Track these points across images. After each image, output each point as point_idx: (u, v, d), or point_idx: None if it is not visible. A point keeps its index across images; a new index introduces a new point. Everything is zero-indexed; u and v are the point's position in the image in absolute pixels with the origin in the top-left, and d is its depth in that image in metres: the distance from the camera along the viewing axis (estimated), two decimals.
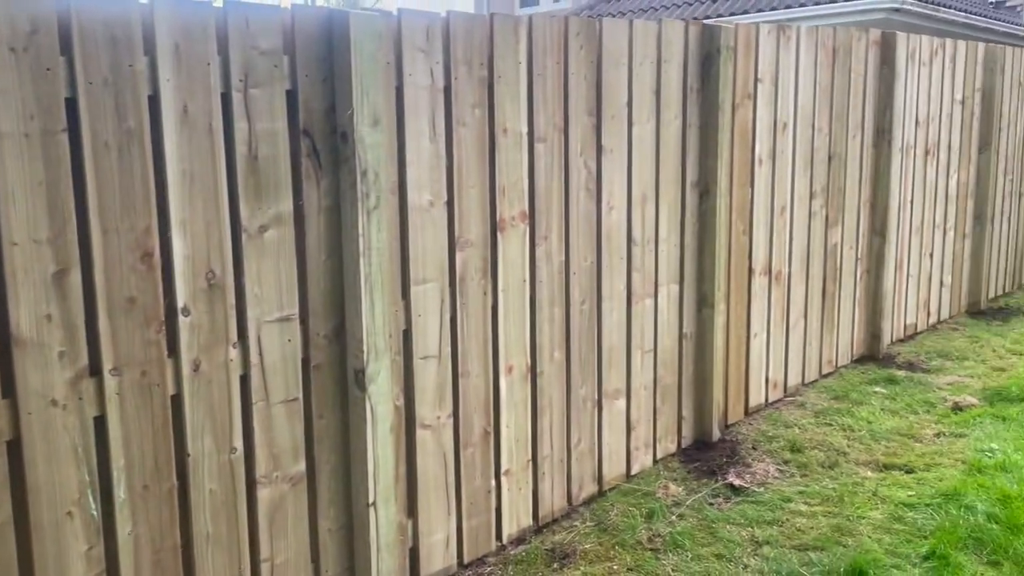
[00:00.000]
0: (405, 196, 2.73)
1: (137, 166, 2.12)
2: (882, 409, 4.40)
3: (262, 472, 2.45)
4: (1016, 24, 11.78)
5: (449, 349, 2.94)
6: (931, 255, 6.01)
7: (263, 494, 2.46)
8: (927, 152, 5.78)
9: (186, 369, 2.26)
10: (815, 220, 4.81)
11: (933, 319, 6.13)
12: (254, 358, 2.40)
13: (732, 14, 10.23)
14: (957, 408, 4.34)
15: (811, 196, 4.76)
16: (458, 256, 2.93)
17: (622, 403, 3.69)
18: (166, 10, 2.14)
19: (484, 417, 3.08)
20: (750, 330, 4.41)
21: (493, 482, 3.14)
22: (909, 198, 5.65)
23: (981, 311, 6.51)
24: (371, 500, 2.62)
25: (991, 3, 12.08)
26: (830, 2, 9.38)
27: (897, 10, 9.03)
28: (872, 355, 5.37)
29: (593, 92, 3.39)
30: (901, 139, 5.42)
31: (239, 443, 2.39)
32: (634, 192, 3.64)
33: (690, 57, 3.84)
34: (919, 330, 5.94)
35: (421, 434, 2.87)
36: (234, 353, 2.35)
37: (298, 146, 2.46)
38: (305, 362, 2.54)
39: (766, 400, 4.57)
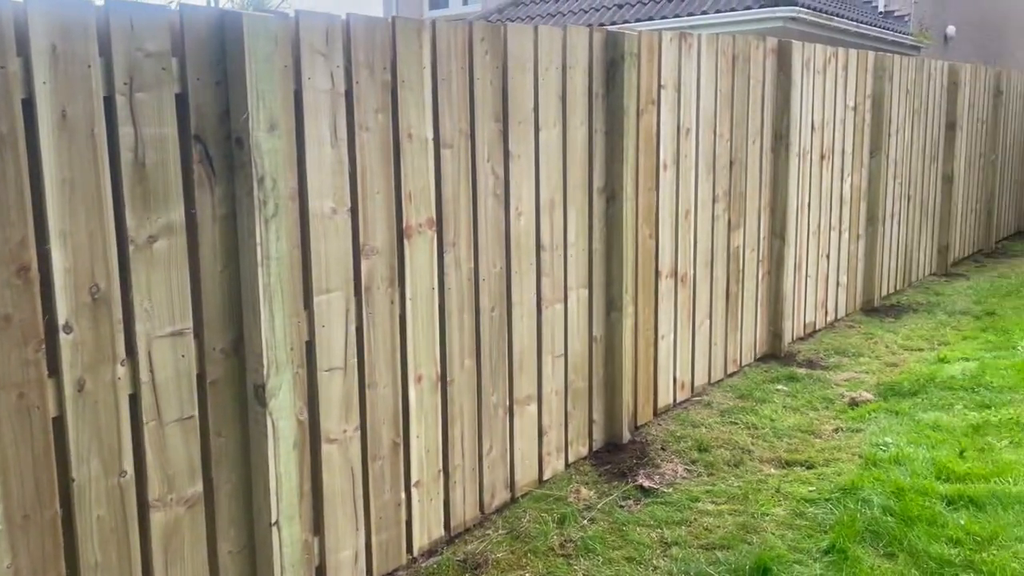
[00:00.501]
0: (306, 203, 2.65)
1: (11, 174, 1.98)
2: (784, 407, 4.54)
3: (155, 495, 2.33)
4: (903, 34, 12.40)
5: (355, 360, 2.86)
6: (828, 256, 6.25)
7: (156, 518, 2.34)
8: (823, 157, 6.01)
9: (69, 389, 2.12)
10: (718, 223, 4.93)
11: (831, 317, 6.38)
12: (144, 375, 2.28)
13: (638, 20, 10.42)
14: (854, 404, 4.51)
15: (714, 200, 4.87)
16: (363, 264, 2.86)
17: (534, 409, 3.69)
18: (41, 9, 2.01)
19: (393, 428, 3.02)
20: (658, 332, 4.47)
21: (403, 494, 3.08)
22: (807, 201, 5.86)
23: (875, 308, 6.81)
24: (274, 519, 2.52)
25: (880, 13, 12.68)
26: (730, 10, 9.67)
27: (794, 19, 9.37)
28: (774, 354, 5.54)
29: (499, 97, 3.37)
30: (798, 144, 5.61)
31: (129, 466, 2.26)
32: (542, 198, 3.64)
33: (595, 63, 3.87)
34: (818, 328, 6.17)
35: (327, 449, 2.79)
36: (122, 371, 2.23)
37: (190, 152, 2.34)
38: (201, 378, 2.43)
39: (674, 400, 4.65)
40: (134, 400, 2.28)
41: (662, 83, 4.31)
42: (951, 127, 8.18)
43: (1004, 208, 10.14)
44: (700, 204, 4.75)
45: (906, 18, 12.63)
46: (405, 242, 3.00)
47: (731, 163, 4.99)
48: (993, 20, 15.87)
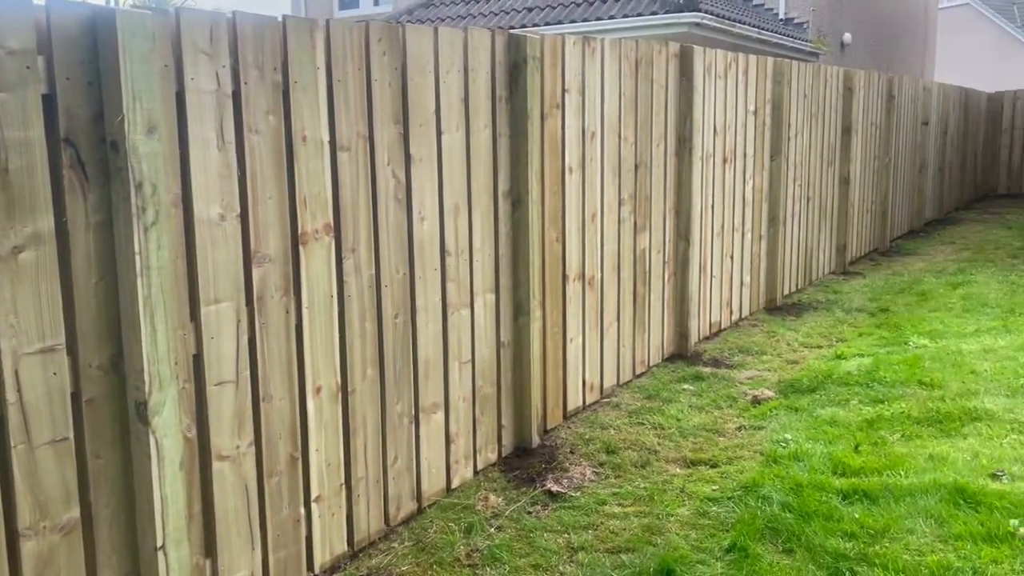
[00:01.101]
0: (191, 209, 2.52)
1: None
2: (690, 406, 4.61)
3: (26, 523, 2.17)
4: (803, 40, 12.86)
5: (248, 372, 2.75)
6: (732, 257, 6.40)
7: (28, 547, 2.18)
8: (725, 160, 6.15)
9: None
10: (624, 226, 4.97)
11: (736, 316, 6.53)
12: (11, 396, 2.12)
13: (547, 24, 10.48)
14: (756, 401, 4.61)
15: (620, 203, 4.91)
16: (255, 272, 2.75)
17: (440, 416, 3.63)
18: None
19: (291, 442, 2.91)
20: (566, 335, 4.48)
21: (303, 510, 2.98)
22: (710, 203, 5.98)
23: (778, 307, 7.01)
24: (160, 543, 2.39)
25: (781, 20, 13.12)
26: (637, 15, 9.83)
27: (698, 25, 9.59)
28: (681, 353, 5.63)
29: (399, 100, 3.30)
30: (701, 148, 5.72)
31: None
32: (446, 202, 3.59)
33: (498, 66, 3.84)
34: (723, 327, 6.31)
35: (218, 466, 2.66)
36: None
37: (59, 156, 2.20)
38: (76, 397, 2.28)
39: (584, 403, 4.66)
40: (0, 422, 2.12)
41: (566, 87, 4.32)
42: (847, 131, 8.51)
43: (898, 208, 10.61)
44: (606, 207, 4.78)
45: (805, 25, 13.10)
46: (301, 249, 2.90)
47: (636, 166, 5.04)
48: (887, 28, 16.65)
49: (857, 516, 3.19)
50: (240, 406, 2.72)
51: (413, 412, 3.47)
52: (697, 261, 5.79)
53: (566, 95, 4.33)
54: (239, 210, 2.68)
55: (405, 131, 3.34)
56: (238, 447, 2.72)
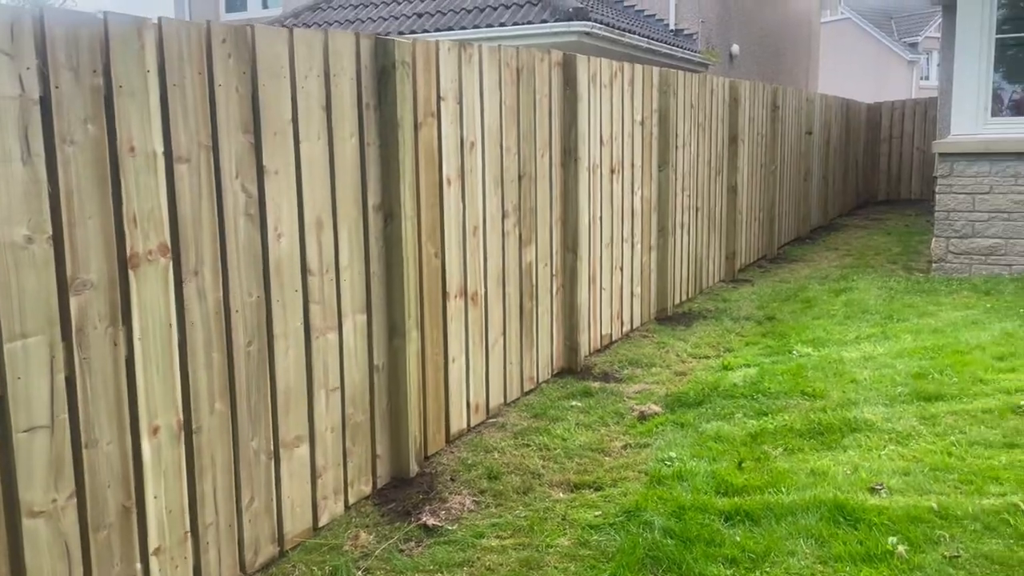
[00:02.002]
0: None
1: None
2: (577, 424, 4.47)
3: None
4: (692, 51, 13.08)
5: (67, 415, 2.42)
6: (621, 268, 6.33)
7: None
8: (613, 170, 6.08)
9: None
10: (509, 239, 4.81)
11: (627, 328, 6.46)
12: None
13: (437, 30, 10.29)
14: (643, 417, 4.51)
15: (503, 216, 4.74)
16: (74, 301, 2.43)
17: (305, 450, 3.35)
18: None
19: (122, 490, 2.59)
20: (448, 355, 4.27)
21: (139, 565, 2.65)
22: (599, 215, 5.89)
23: (669, 317, 7.00)
24: None
25: (671, 31, 13.32)
26: (528, 23, 9.75)
27: (588, 34, 9.58)
28: (571, 368, 5.50)
29: (248, 107, 3.02)
30: (588, 158, 5.62)
31: None
32: (307, 217, 3.32)
33: (364, 71, 3.61)
34: (614, 339, 6.23)
35: (30, 524, 2.33)
36: None
37: None
38: None
39: (468, 425, 4.46)
40: None
41: (442, 94, 4.11)
42: (733, 141, 8.63)
43: (785, 216, 10.88)
44: (489, 220, 4.60)
45: (695, 36, 13.35)
46: (130, 273, 2.59)
47: (520, 177, 4.88)
48: (773, 40, 17.19)
49: (739, 539, 3.10)
50: (57, 454, 2.39)
51: (272, 447, 3.19)
52: (586, 273, 5.68)
53: (442, 103, 4.12)
54: (51, 231, 2.36)
55: (257, 141, 3.06)
56: (55, 501, 2.39)
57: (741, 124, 8.78)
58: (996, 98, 8.39)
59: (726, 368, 5.39)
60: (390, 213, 3.76)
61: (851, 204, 15.57)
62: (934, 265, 8.51)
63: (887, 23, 36.23)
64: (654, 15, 13.43)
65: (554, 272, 5.36)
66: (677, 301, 7.44)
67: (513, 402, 4.88)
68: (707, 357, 5.80)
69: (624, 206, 6.31)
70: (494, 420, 4.60)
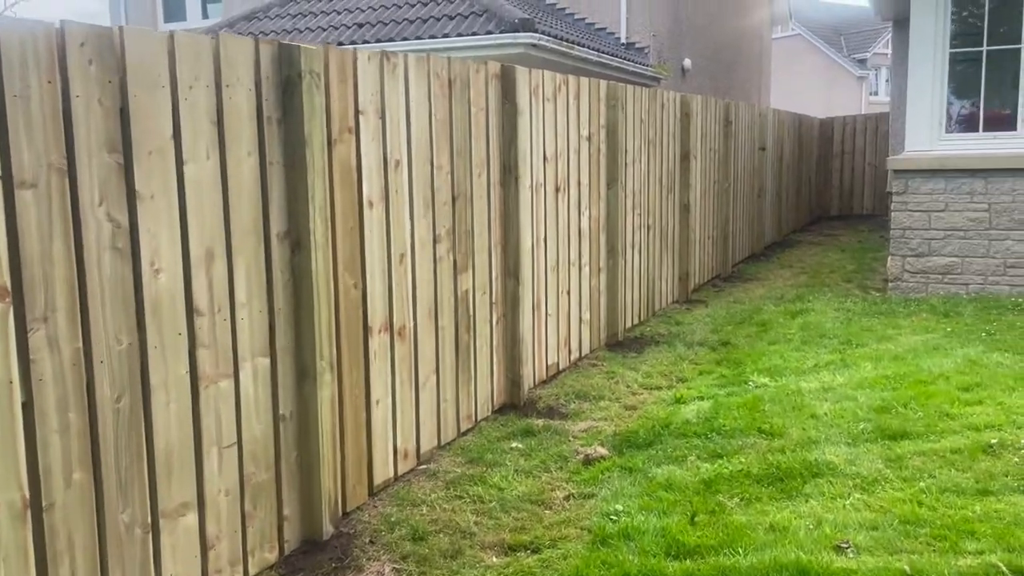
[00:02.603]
0: None
1: None
2: (516, 470, 4.06)
3: None
4: (644, 65, 12.84)
5: None
6: (568, 292, 5.95)
7: None
8: (558, 189, 5.70)
9: None
10: (442, 266, 4.39)
11: (575, 355, 6.08)
12: None
13: (378, 40, 9.86)
14: (588, 461, 4.12)
15: (435, 240, 4.32)
16: None
17: (192, 519, 2.89)
18: None
19: None
20: (371, 397, 3.83)
21: None
22: (543, 236, 5.50)
23: (619, 343, 6.63)
24: None
25: (622, 44, 13.07)
26: (472, 35, 9.38)
27: (535, 46, 9.24)
28: (514, 403, 5.10)
29: (116, 122, 2.57)
30: (530, 176, 5.24)
31: None
32: (194, 249, 2.87)
33: (265, 82, 3.17)
34: (561, 368, 5.84)
35: None
36: None
37: None
38: None
39: (395, 473, 4.02)
40: None
41: (361, 108, 3.70)
42: (685, 157, 8.34)
43: (739, 233, 10.64)
44: (419, 245, 4.18)
45: (646, 50, 13.12)
46: None
47: (454, 198, 4.48)
48: (725, 55, 17.10)
49: None
50: None
51: (150, 520, 2.72)
52: (530, 300, 5.29)
53: (361, 117, 3.71)
54: None
55: (127, 161, 2.61)
56: None
57: (693, 140, 8.50)
58: (951, 114, 8.23)
59: (679, 401, 5.03)
60: (298, 241, 3.32)
61: (804, 220, 15.47)
62: (890, 284, 8.30)
63: (836, 39, 36.73)
64: (604, 28, 13.18)
65: (494, 300, 4.95)
66: (628, 325, 7.08)
67: (448, 444, 4.45)
68: (659, 388, 5.44)
69: (571, 226, 5.94)
70: (425, 467, 4.17)
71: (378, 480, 3.90)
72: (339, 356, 3.60)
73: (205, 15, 15.96)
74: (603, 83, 6.41)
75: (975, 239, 7.97)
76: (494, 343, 4.97)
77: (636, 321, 7.27)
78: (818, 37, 35.68)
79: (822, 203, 16.89)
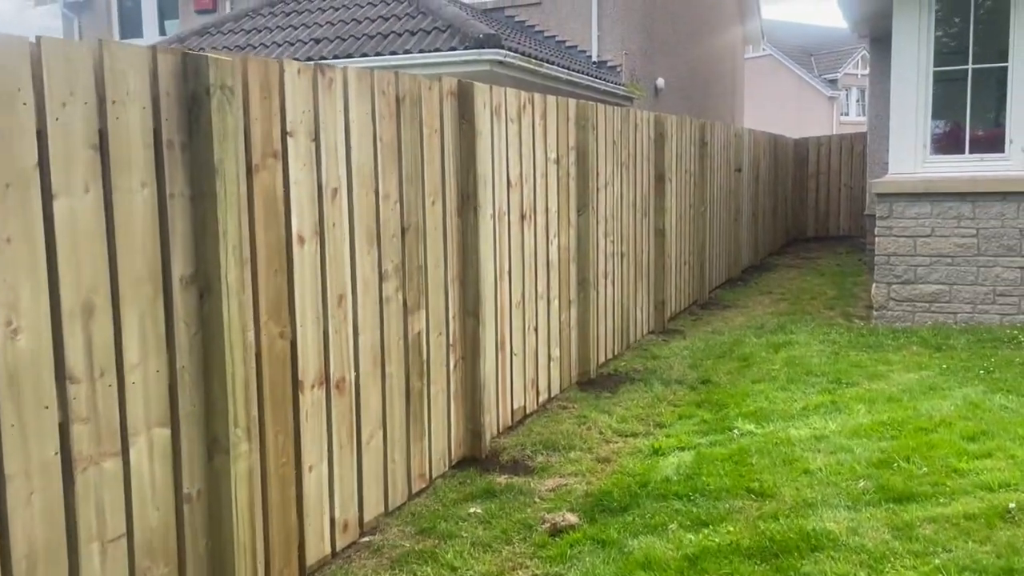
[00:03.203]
0: None
1: None
2: (474, 544, 3.54)
3: None
4: (617, 84, 12.47)
5: None
6: (536, 329, 5.45)
7: None
8: (523, 217, 5.22)
9: None
10: (390, 307, 3.88)
11: (544, 397, 5.58)
12: None
13: (336, 57, 9.37)
14: (556, 532, 3.61)
15: (382, 278, 3.81)
16: None
17: None
18: None
19: None
20: (302, 465, 3.29)
21: None
22: (507, 269, 5.01)
23: (592, 380, 6.15)
24: None
25: (594, 63, 12.70)
26: (434, 51, 8.92)
27: (501, 63, 8.80)
28: (474, 455, 4.58)
29: None
30: (492, 204, 4.75)
31: None
32: (67, 301, 2.34)
33: (165, 98, 2.66)
34: (528, 413, 5.33)
35: None
36: None
37: None
38: None
39: (333, 549, 3.48)
40: None
41: (289, 129, 3.19)
42: (660, 179, 7.92)
43: (716, 258, 10.23)
44: (361, 285, 3.67)
45: (618, 69, 12.75)
46: None
47: (404, 230, 3.97)
48: (699, 74, 16.82)
49: None
50: None
51: None
52: (492, 339, 4.78)
53: (290, 139, 3.20)
54: None
55: None
56: None
57: (668, 161, 8.08)
58: (936, 135, 7.88)
59: (657, 452, 4.54)
60: (207, 286, 2.79)
61: (781, 242, 15.16)
62: (875, 313, 7.90)
63: (807, 59, 36.88)
64: (575, 46, 12.80)
65: (451, 342, 4.44)
66: (602, 360, 6.60)
67: (398, 509, 3.92)
68: (635, 435, 4.94)
69: (538, 257, 5.45)
70: (369, 539, 3.64)
71: (312, 559, 3.36)
72: (261, 419, 3.07)
73: (163, 32, 15.40)
74: (572, 102, 5.96)
75: (963, 266, 7.60)
76: (452, 389, 4.45)
77: (610, 355, 6.78)
78: (789, 57, 35.80)
79: (798, 225, 16.61)
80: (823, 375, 5.88)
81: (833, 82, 35.31)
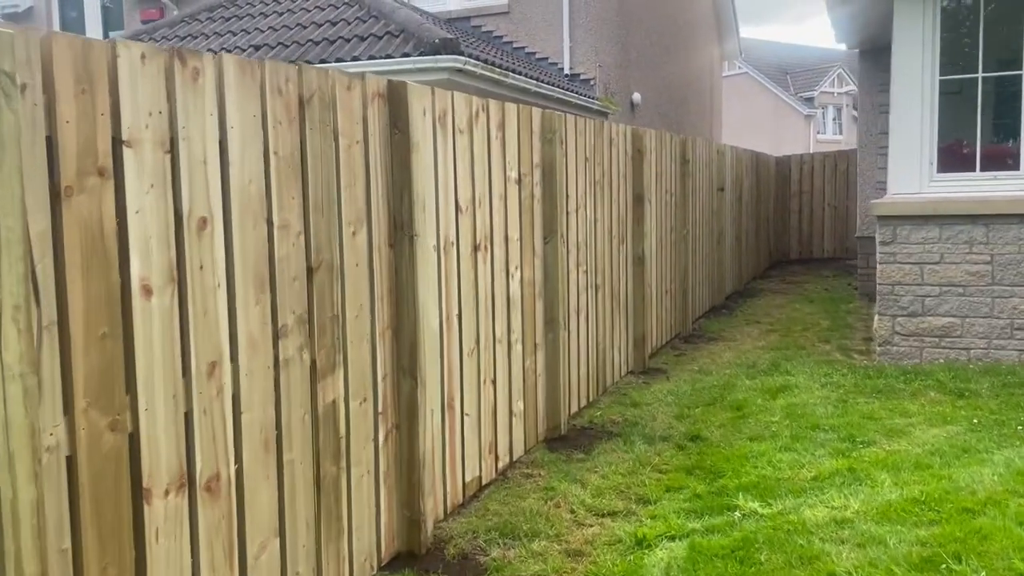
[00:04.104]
0: None
1: None
2: None
3: None
4: (590, 98, 11.67)
5: None
6: (494, 381, 4.54)
7: None
8: (477, 247, 4.32)
9: None
10: (290, 372, 2.95)
11: (504, 463, 4.65)
12: None
13: (290, 63, 8.46)
14: None
15: (277, 335, 2.89)
16: None
17: None
18: None
19: None
20: None
21: None
22: (456, 312, 4.10)
23: (562, 436, 5.23)
24: None
25: (566, 75, 11.89)
26: (386, 57, 8.04)
27: (460, 71, 7.94)
28: (412, 551, 3.64)
29: None
30: (435, 232, 3.85)
31: None
32: None
33: None
34: (485, 484, 4.40)
35: None
36: None
37: None
38: None
39: None
40: None
41: (126, 136, 2.27)
42: (639, 201, 7.06)
43: (698, 285, 9.40)
44: (246, 345, 2.74)
45: (592, 82, 11.96)
46: None
47: (311, 270, 3.05)
48: (676, 90, 16.09)
49: None
50: None
51: None
52: (436, 400, 3.87)
53: (126, 151, 2.28)
54: None
55: None
56: None
57: (647, 181, 7.23)
58: (943, 151, 7.10)
59: (641, 544, 3.63)
60: None
61: (764, 265, 14.40)
62: (879, 348, 7.08)
63: (783, 78, 36.52)
64: (546, 58, 12.00)
65: (380, 409, 3.52)
66: (575, 409, 5.70)
67: None
68: (614, 515, 4.03)
69: (496, 295, 4.55)
70: None
71: None
72: (78, 554, 2.13)
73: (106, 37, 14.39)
74: (536, 111, 5.08)
75: (976, 296, 6.80)
76: (381, 470, 3.52)
77: (584, 403, 5.88)
78: (765, 76, 35.42)
79: (781, 247, 15.88)
80: (832, 430, 5.01)
81: (810, 100, 34.95)
